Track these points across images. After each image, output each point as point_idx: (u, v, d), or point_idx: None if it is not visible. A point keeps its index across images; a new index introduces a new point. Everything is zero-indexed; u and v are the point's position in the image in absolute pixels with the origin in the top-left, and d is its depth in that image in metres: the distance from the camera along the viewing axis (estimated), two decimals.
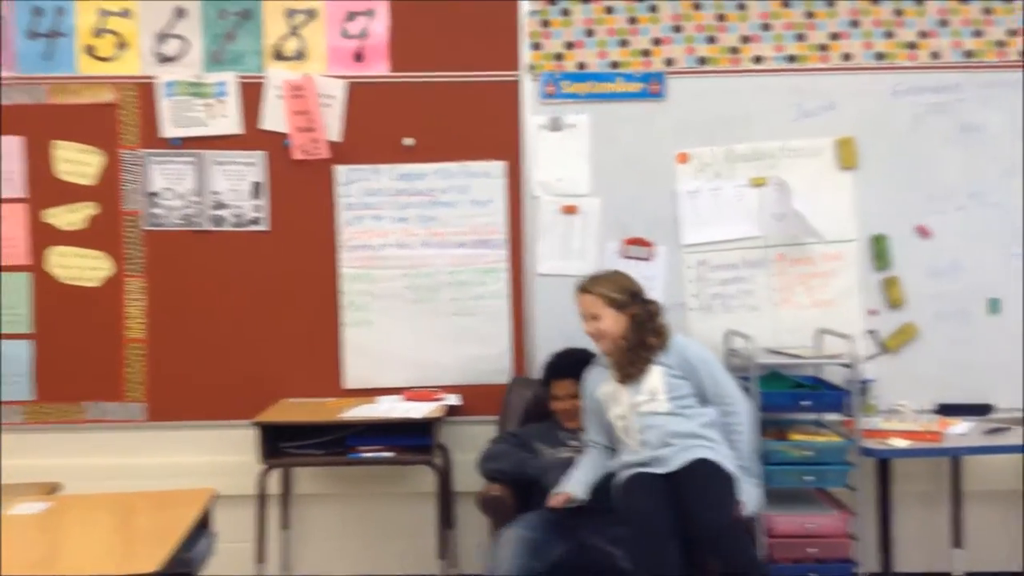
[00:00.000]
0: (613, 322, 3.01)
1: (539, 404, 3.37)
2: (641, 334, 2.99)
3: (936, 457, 3.40)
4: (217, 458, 3.50)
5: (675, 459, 2.82)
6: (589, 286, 3.07)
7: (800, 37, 3.59)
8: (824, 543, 3.07)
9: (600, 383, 3.06)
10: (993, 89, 3.57)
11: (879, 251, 3.58)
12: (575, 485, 2.95)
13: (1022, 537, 3.55)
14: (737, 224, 3.60)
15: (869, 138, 3.57)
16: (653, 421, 2.90)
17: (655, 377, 2.94)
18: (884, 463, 3.22)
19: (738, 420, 2.96)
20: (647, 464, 2.85)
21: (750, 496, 2.88)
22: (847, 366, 3.21)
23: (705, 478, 2.76)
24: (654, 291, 3.54)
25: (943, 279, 3.57)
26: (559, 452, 3.15)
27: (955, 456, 3.42)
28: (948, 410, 3.50)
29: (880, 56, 3.59)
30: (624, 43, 3.60)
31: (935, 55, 3.59)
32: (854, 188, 3.58)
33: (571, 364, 3.20)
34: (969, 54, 3.58)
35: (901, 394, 3.49)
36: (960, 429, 3.29)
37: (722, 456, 2.84)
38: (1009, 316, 3.57)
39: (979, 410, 3.51)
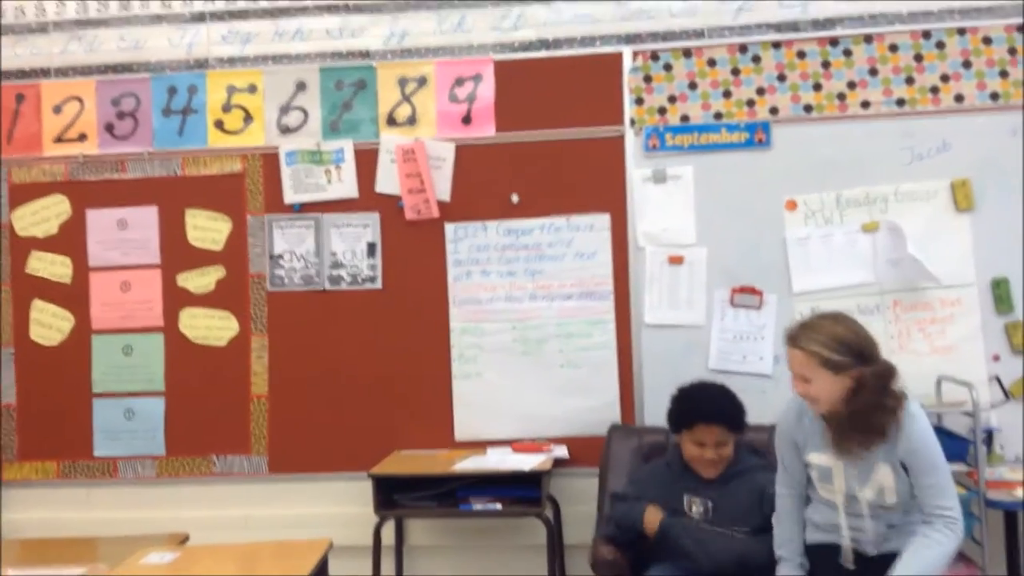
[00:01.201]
0: (828, 387, 2.39)
1: (645, 452, 3.32)
2: (866, 407, 2.36)
3: None
4: (334, 509, 3.61)
5: (880, 544, 2.46)
6: (799, 338, 2.44)
7: (909, 80, 3.54)
8: None
9: (814, 444, 2.51)
10: None
11: (1000, 295, 3.44)
12: (792, 565, 2.54)
13: None
14: (850, 270, 3.52)
15: (986, 179, 3.46)
16: (878, 514, 2.45)
17: (883, 474, 2.41)
18: (1011, 515, 3.06)
19: (941, 538, 2.34)
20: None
21: None
22: (969, 415, 3.09)
23: None
24: (765, 339, 3.51)
25: None
26: (692, 509, 2.87)
27: None
28: None
29: (995, 96, 3.49)
30: (727, 94, 3.62)
31: None
32: (972, 230, 3.47)
33: (722, 408, 2.85)
34: None
35: None
36: None
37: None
38: None
39: None
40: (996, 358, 3.44)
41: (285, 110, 3.79)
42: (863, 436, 2.38)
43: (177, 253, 3.80)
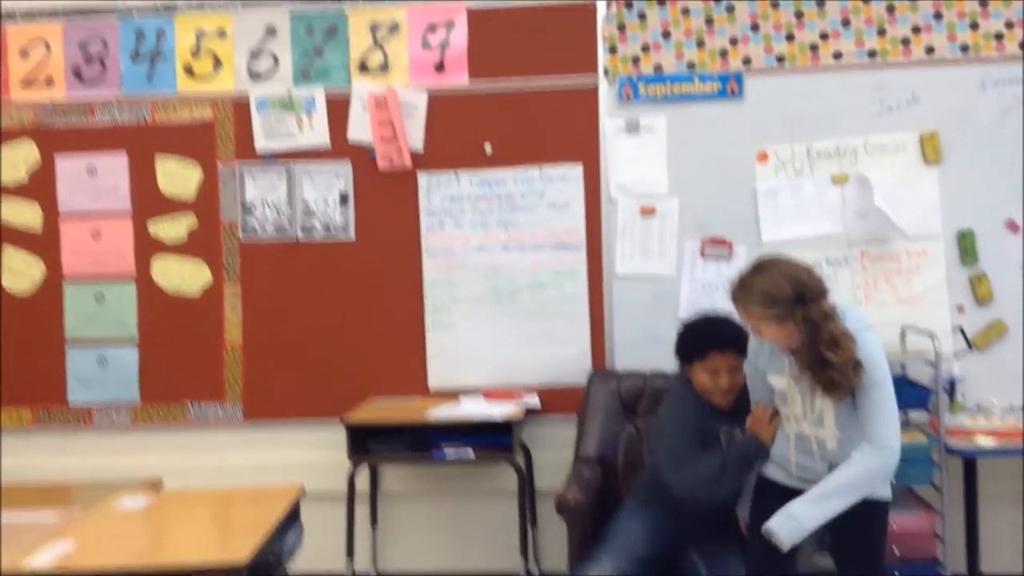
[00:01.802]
0: (779, 334, 2.46)
1: (623, 396, 3.38)
2: (815, 348, 2.39)
3: None
4: (309, 456, 3.65)
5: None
6: (738, 299, 2.52)
7: (881, 32, 3.54)
8: (909, 543, 3.01)
9: (773, 367, 2.59)
10: None
11: (966, 247, 3.49)
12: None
13: None
14: (818, 222, 3.56)
15: (954, 132, 3.49)
16: (812, 448, 2.53)
17: (829, 402, 2.46)
18: (971, 462, 3.14)
19: (864, 463, 2.40)
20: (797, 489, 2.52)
21: (775, 530, 2.45)
22: (932, 364, 3.16)
23: (864, 531, 2.46)
24: None
25: None
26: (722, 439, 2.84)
27: None
28: None
29: (965, 48, 3.51)
30: (701, 44, 3.61)
31: (1023, 45, 3.48)
32: (939, 183, 3.50)
33: (735, 334, 2.79)
34: None
35: (990, 392, 3.39)
36: None
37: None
38: None
39: None
40: (960, 309, 3.50)
41: (255, 55, 3.74)
42: (825, 379, 2.41)
43: (148, 200, 3.77)
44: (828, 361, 2.38)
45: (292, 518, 2.65)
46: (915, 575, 3.07)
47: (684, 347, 2.92)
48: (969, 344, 3.47)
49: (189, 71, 3.76)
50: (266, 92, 3.73)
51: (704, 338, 2.87)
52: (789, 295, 2.41)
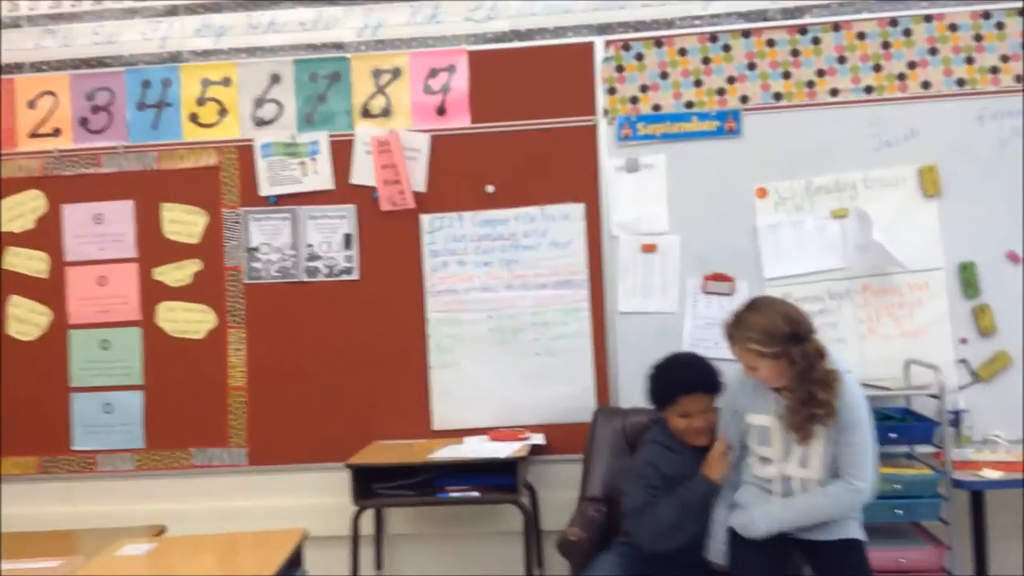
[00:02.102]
0: (771, 371, 2.57)
1: (628, 433, 3.37)
2: (806, 386, 2.52)
3: None
4: (313, 500, 3.64)
5: (817, 528, 2.63)
6: (734, 336, 2.63)
7: (877, 68, 3.57)
8: None
9: (758, 406, 2.68)
10: None
11: (967, 279, 3.50)
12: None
13: None
14: (820, 256, 3.57)
15: (953, 165, 3.51)
16: (795, 489, 2.64)
17: (816, 443, 2.57)
18: (977, 495, 3.11)
19: (836, 492, 2.56)
20: None
21: (755, 519, 2.64)
22: (935, 397, 3.14)
23: (850, 567, 2.61)
24: None
25: None
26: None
27: None
28: None
29: (961, 83, 3.54)
30: (698, 83, 3.65)
31: (1019, 79, 3.51)
32: (939, 216, 3.51)
33: (706, 376, 2.87)
34: None
35: (996, 424, 3.38)
36: None
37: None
38: None
39: None
40: (964, 341, 3.49)
41: (260, 103, 3.80)
42: (810, 419, 2.52)
43: (153, 247, 3.81)
44: (817, 399, 2.48)
45: (295, 563, 2.64)
46: None
47: (656, 392, 2.95)
48: (974, 376, 3.46)
49: (194, 119, 3.81)
50: (270, 138, 3.78)
51: (674, 382, 2.90)
52: (786, 332, 2.53)
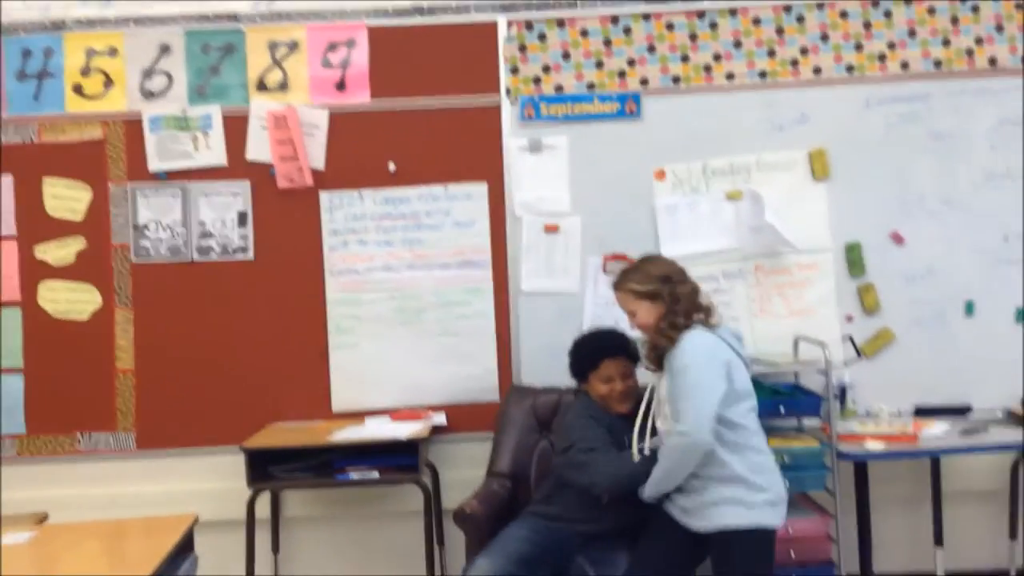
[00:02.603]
0: (648, 315, 2.76)
1: (539, 412, 3.41)
2: (666, 319, 2.71)
3: (913, 459, 3.44)
4: (207, 484, 3.55)
5: (697, 515, 2.65)
6: (619, 282, 2.86)
7: (771, 53, 3.66)
8: (804, 546, 3.08)
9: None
10: (962, 97, 3.63)
11: (853, 259, 3.63)
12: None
13: (1006, 534, 3.60)
14: (715, 237, 3.65)
15: (842, 149, 3.63)
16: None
17: (663, 387, 2.72)
18: (862, 466, 3.24)
19: (669, 444, 2.64)
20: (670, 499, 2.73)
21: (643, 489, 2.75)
22: (823, 372, 3.26)
23: (732, 559, 2.60)
24: None
25: (918, 284, 3.62)
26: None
27: (933, 457, 3.46)
28: (926, 412, 3.54)
29: (851, 69, 3.66)
30: (600, 65, 3.68)
31: (904, 66, 3.65)
32: (828, 198, 3.64)
33: (626, 343, 3.00)
34: (938, 63, 3.65)
35: (879, 398, 3.53)
36: (936, 430, 3.32)
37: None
38: (985, 318, 3.62)
39: (958, 411, 3.55)
40: (849, 319, 3.63)
41: (148, 74, 3.65)
42: (653, 351, 2.74)
43: (34, 224, 3.63)
44: (665, 331, 2.69)
45: (186, 548, 2.56)
46: None
47: (577, 363, 3.07)
48: (858, 352, 3.61)
49: (78, 91, 3.64)
50: (160, 111, 3.64)
51: (594, 349, 3.03)
52: (659, 274, 2.79)
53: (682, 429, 2.58)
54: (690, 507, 2.67)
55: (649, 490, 2.72)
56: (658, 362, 2.73)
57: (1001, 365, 3.58)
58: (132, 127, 3.64)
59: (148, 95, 3.66)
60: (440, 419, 3.55)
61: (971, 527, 3.65)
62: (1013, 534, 3.59)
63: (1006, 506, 3.58)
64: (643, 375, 2.98)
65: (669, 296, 2.72)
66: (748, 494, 2.60)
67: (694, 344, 2.66)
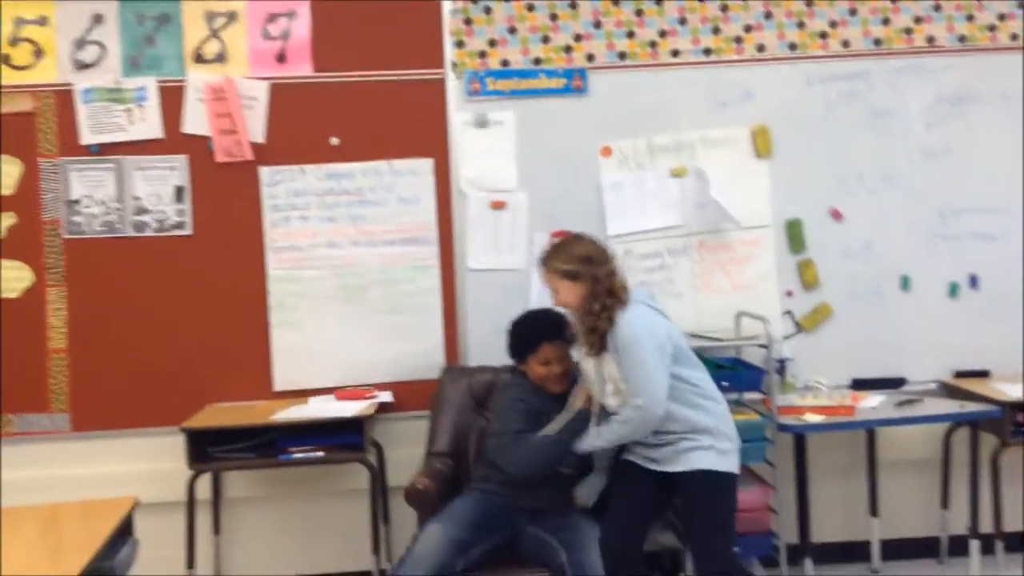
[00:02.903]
0: (570, 293, 2.83)
1: (475, 391, 3.41)
2: (590, 302, 2.79)
3: (851, 430, 3.51)
4: (146, 466, 3.49)
5: (670, 462, 2.79)
6: (545, 260, 2.91)
7: (716, 30, 3.68)
8: (745, 517, 3.10)
9: (580, 352, 2.93)
10: (901, 76, 3.69)
11: (794, 235, 3.68)
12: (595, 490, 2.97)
13: (938, 503, 3.71)
14: (660, 214, 3.67)
15: (784, 126, 3.67)
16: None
17: (609, 363, 2.79)
18: (800, 438, 3.31)
19: (624, 416, 2.76)
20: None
21: (591, 488, 2.95)
22: (763, 347, 3.30)
23: (706, 498, 2.78)
24: None
25: (856, 260, 3.69)
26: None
27: (868, 428, 3.55)
28: (863, 385, 3.63)
29: (793, 47, 3.69)
30: (546, 40, 3.65)
31: (845, 44, 3.69)
32: (770, 175, 3.67)
33: (563, 326, 3.01)
34: (878, 42, 3.70)
35: (818, 372, 3.61)
36: (872, 402, 3.41)
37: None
38: (920, 292, 3.70)
39: (893, 384, 3.64)
40: (789, 294, 3.69)
41: (80, 44, 3.53)
42: (591, 334, 2.78)
43: None
44: (597, 311, 2.76)
45: (126, 532, 2.51)
46: (752, 547, 3.20)
47: (516, 344, 3.08)
48: (798, 327, 3.67)
49: (7, 61, 3.51)
50: (92, 82, 3.52)
51: (534, 332, 3.05)
52: (583, 254, 2.84)
53: (639, 403, 2.71)
54: (660, 457, 2.80)
55: (587, 446, 2.85)
56: (598, 344, 2.79)
57: (935, 339, 3.68)
58: (63, 99, 3.52)
59: (80, 66, 3.53)
60: (386, 397, 3.52)
61: (905, 496, 3.75)
62: (945, 503, 3.70)
63: (938, 476, 3.70)
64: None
65: (591, 278, 2.79)
66: (717, 441, 2.77)
67: (633, 321, 2.75)
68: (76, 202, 3.54)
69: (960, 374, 3.66)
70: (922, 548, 3.74)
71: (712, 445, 2.77)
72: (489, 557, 2.89)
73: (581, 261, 2.83)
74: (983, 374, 3.65)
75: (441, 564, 2.77)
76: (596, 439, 2.84)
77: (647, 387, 2.71)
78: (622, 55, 3.67)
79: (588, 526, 2.90)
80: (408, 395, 3.58)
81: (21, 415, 3.53)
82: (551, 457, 2.88)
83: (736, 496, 2.83)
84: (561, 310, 2.98)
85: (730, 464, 2.79)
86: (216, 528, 3.61)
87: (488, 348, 3.55)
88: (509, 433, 2.92)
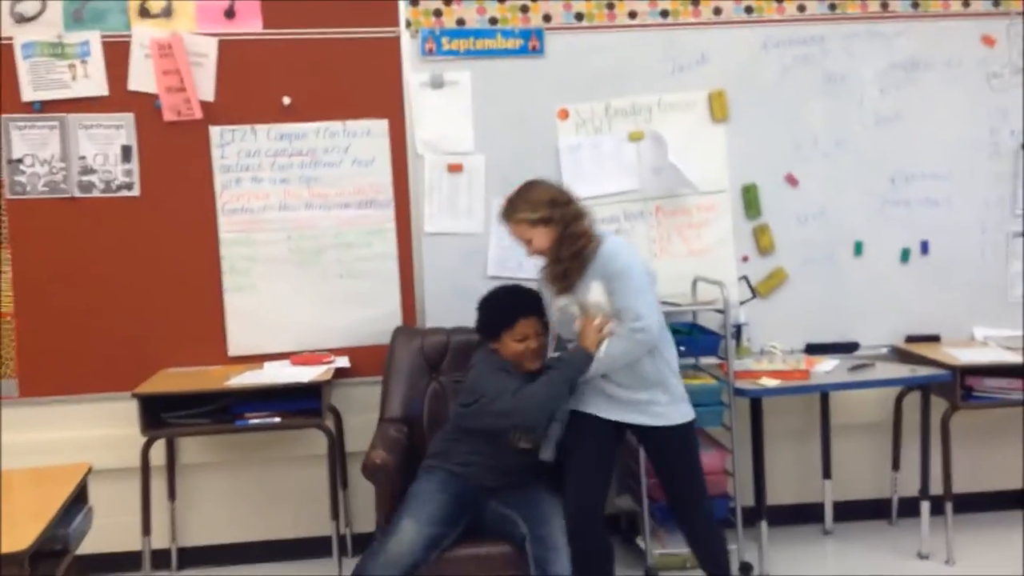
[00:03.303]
0: (543, 238, 2.83)
1: (428, 353, 3.39)
2: (563, 242, 2.80)
3: (806, 394, 3.58)
4: (98, 432, 3.43)
5: (645, 415, 2.80)
6: (508, 213, 2.89)
7: None
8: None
9: (550, 301, 2.91)
10: (856, 41, 3.71)
11: (750, 200, 3.71)
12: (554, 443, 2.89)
13: (889, 465, 3.80)
14: (617, 178, 3.67)
15: (740, 91, 3.68)
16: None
17: (596, 291, 2.76)
18: (756, 402, 3.35)
19: (627, 336, 2.71)
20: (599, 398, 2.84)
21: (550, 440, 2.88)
22: (720, 311, 3.33)
23: (682, 453, 2.83)
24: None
25: (810, 225, 3.73)
26: None
27: (822, 392, 3.61)
28: (817, 349, 3.69)
29: (749, 10, 3.68)
30: None
31: (801, 8, 3.69)
32: (726, 140, 3.68)
33: (537, 302, 2.98)
34: (833, 7, 3.70)
35: (773, 336, 3.67)
36: (826, 367, 3.47)
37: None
38: (872, 258, 3.76)
39: (846, 348, 3.71)
40: (745, 259, 3.72)
41: None
42: (570, 269, 2.78)
43: None
44: (569, 252, 2.77)
45: (80, 499, 2.46)
46: None
47: (491, 320, 3.00)
48: (753, 292, 3.71)
49: None
50: (33, 36, 3.39)
51: (509, 308, 2.97)
52: (546, 199, 2.83)
53: (641, 325, 2.70)
54: (635, 405, 2.80)
55: (593, 371, 2.80)
56: (566, 283, 2.80)
57: (887, 304, 3.75)
58: (3, 54, 3.38)
59: (20, 19, 3.39)
60: (343, 363, 3.49)
61: (857, 459, 3.84)
62: (896, 465, 3.79)
63: (890, 438, 3.78)
64: None
65: (560, 218, 2.80)
66: (681, 392, 2.85)
67: (620, 250, 2.80)
68: (19, 161, 3.42)
69: (911, 339, 3.74)
70: (873, 510, 3.84)
71: (683, 396, 2.84)
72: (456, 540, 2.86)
73: (548, 205, 2.82)
74: (934, 339, 3.73)
75: (415, 563, 2.73)
76: (602, 363, 2.77)
77: (648, 309, 2.72)
78: (579, 16, 3.63)
79: (549, 498, 2.90)
80: (365, 359, 3.55)
81: None
82: (563, 394, 2.82)
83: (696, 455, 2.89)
84: (532, 272, 2.99)
85: (692, 413, 2.87)
86: (171, 494, 3.56)
87: (445, 312, 3.54)
88: (509, 392, 2.82)
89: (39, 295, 3.44)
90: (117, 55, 3.42)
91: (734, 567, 3.23)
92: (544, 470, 2.94)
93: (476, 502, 2.93)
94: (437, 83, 3.59)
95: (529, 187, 2.91)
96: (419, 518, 2.81)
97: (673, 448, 2.83)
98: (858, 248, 3.76)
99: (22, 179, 3.43)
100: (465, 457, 2.96)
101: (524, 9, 3.61)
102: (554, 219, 2.80)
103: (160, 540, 3.50)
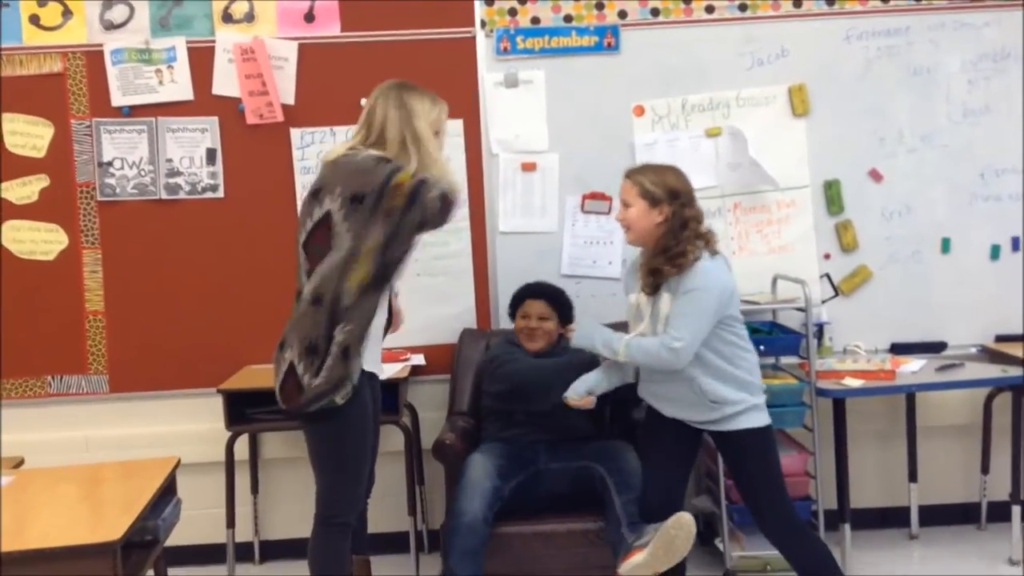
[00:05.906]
0: (640, 215, 2.72)
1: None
2: (667, 241, 2.69)
3: (891, 395, 3.49)
4: (184, 427, 3.53)
5: (721, 422, 2.74)
6: (633, 172, 2.81)
7: None
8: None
9: (632, 285, 2.84)
10: (942, 31, 3.59)
11: (832, 196, 3.63)
12: (585, 386, 2.88)
13: (978, 468, 3.66)
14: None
15: (821, 84, 3.59)
16: None
17: (666, 303, 2.69)
18: (839, 403, 3.27)
19: (655, 351, 2.68)
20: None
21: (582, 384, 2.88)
22: (801, 310, 3.26)
23: (754, 458, 2.75)
24: (614, 244, 3.58)
25: (895, 221, 3.63)
26: None
27: (908, 393, 3.51)
28: (903, 349, 3.59)
29: (831, 1, 3.60)
30: None
31: None
32: (807, 134, 3.61)
33: (544, 288, 3.32)
34: None
35: (856, 335, 3.58)
36: (913, 367, 3.36)
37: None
38: (960, 255, 3.64)
39: (933, 348, 3.60)
40: (827, 256, 3.64)
41: (108, 4, 3.50)
42: (654, 271, 2.70)
43: None
44: (667, 255, 2.68)
45: (169, 492, 2.53)
46: None
47: (511, 301, 3.38)
48: (836, 290, 3.62)
49: (35, 21, 3.48)
50: (122, 43, 3.49)
51: (522, 290, 3.36)
52: (672, 187, 2.74)
53: (675, 346, 2.64)
54: (709, 418, 2.74)
55: (609, 351, 2.79)
56: (650, 280, 2.72)
57: (975, 302, 3.63)
58: (93, 60, 3.50)
59: (109, 26, 3.51)
60: (419, 360, 3.52)
61: (944, 462, 3.72)
62: (985, 468, 3.65)
63: (979, 441, 3.64)
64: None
65: (671, 213, 2.70)
66: (755, 397, 2.74)
67: (708, 273, 2.69)
68: (109, 164, 3.54)
69: (1001, 338, 3.61)
70: (961, 514, 3.72)
71: (756, 403, 2.74)
72: (520, 497, 3.03)
73: (668, 191, 2.72)
74: None
75: (494, 487, 2.96)
76: (624, 349, 2.74)
77: (691, 336, 2.64)
78: (655, 12, 3.60)
79: (615, 443, 3.16)
80: (440, 357, 3.58)
81: (60, 376, 3.56)
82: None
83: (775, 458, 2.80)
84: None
85: (769, 418, 2.79)
86: (255, 488, 3.64)
87: None
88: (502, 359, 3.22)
89: (128, 294, 3.55)
90: (201, 60, 3.51)
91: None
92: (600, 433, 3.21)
93: (534, 458, 3.12)
94: (512, 82, 3.59)
95: (668, 168, 2.84)
96: (484, 452, 3.10)
97: (745, 453, 2.76)
98: (945, 245, 3.64)
99: (112, 181, 3.54)
100: (521, 420, 3.17)
101: (599, 6, 3.59)
102: (663, 205, 2.70)
103: (243, 533, 3.58)
